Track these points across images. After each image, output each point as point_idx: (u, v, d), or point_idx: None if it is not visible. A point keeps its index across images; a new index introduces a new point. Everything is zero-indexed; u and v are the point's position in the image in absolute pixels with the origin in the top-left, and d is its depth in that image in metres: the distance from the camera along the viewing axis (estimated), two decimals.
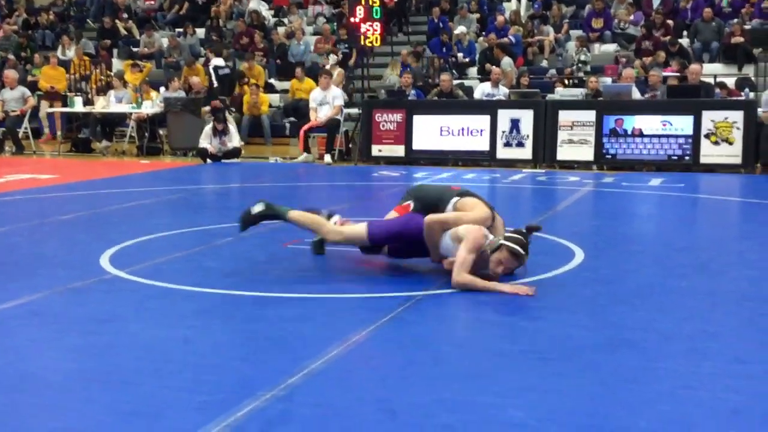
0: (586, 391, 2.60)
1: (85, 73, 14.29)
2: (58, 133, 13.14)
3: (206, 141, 10.75)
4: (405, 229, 4.11)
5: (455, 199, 4.27)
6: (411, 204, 4.31)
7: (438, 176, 9.12)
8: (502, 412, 2.43)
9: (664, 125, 9.71)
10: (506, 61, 13.19)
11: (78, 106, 12.54)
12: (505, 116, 10.25)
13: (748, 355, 2.97)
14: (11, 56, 15.92)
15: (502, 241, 3.91)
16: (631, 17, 14.58)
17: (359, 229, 4.16)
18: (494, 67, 12.21)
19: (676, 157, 9.70)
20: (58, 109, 13.28)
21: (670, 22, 13.98)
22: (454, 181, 8.67)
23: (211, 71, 12.34)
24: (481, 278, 3.89)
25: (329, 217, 4.37)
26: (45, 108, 13.66)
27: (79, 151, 12.45)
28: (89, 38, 16.95)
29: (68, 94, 13.71)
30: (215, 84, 12.30)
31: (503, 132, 10.26)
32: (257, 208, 4.15)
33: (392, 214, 4.34)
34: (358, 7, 11.14)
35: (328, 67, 12.83)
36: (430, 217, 4.05)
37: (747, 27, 13.56)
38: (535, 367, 2.84)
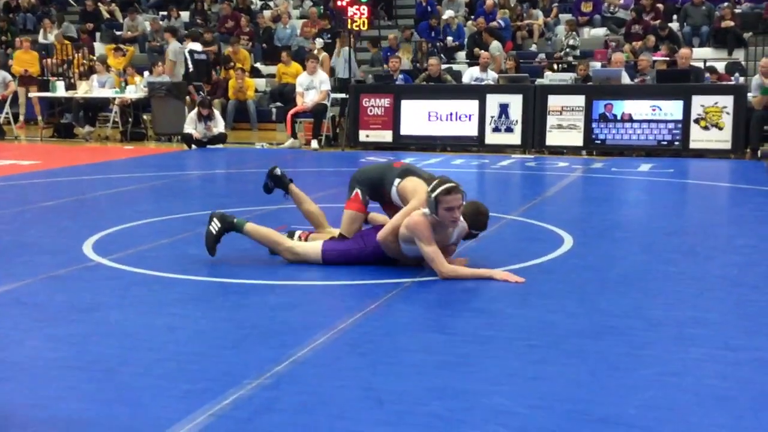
0: (573, 377, 2.59)
1: (67, 58, 14.07)
2: (39, 118, 12.95)
3: (191, 126, 10.63)
4: (362, 251, 4.06)
5: (397, 181, 4.14)
6: (359, 192, 4.19)
7: (426, 162, 9.07)
8: (489, 399, 2.41)
9: (654, 110, 9.70)
10: (495, 45, 13.12)
11: (60, 90, 12.37)
12: (493, 101, 10.20)
13: (735, 342, 2.96)
14: None
15: (431, 195, 3.80)
16: (621, 1, 14.54)
17: (313, 249, 4.11)
18: (483, 51, 12.14)
19: (665, 143, 9.69)
20: (42, 93, 13.08)
21: (659, 5, 13.96)
22: (442, 167, 8.64)
23: (187, 55, 12.13)
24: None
25: (290, 235, 4.33)
26: (22, 94, 13.41)
27: (61, 137, 12.30)
28: (71, 21, 16.72)
29: (50, 78, 13.49)
30: (191, 68, 12.09)
31: (492, 117, 10.22)
32: (214, 226, 4.11)
33: (347, 214, 4.17)
34: None
35: (315, 51, 12.71)
36: (382, 234, 3.99)
37: (737, 11, 13.55)
38: (523, 354, 2.83)
